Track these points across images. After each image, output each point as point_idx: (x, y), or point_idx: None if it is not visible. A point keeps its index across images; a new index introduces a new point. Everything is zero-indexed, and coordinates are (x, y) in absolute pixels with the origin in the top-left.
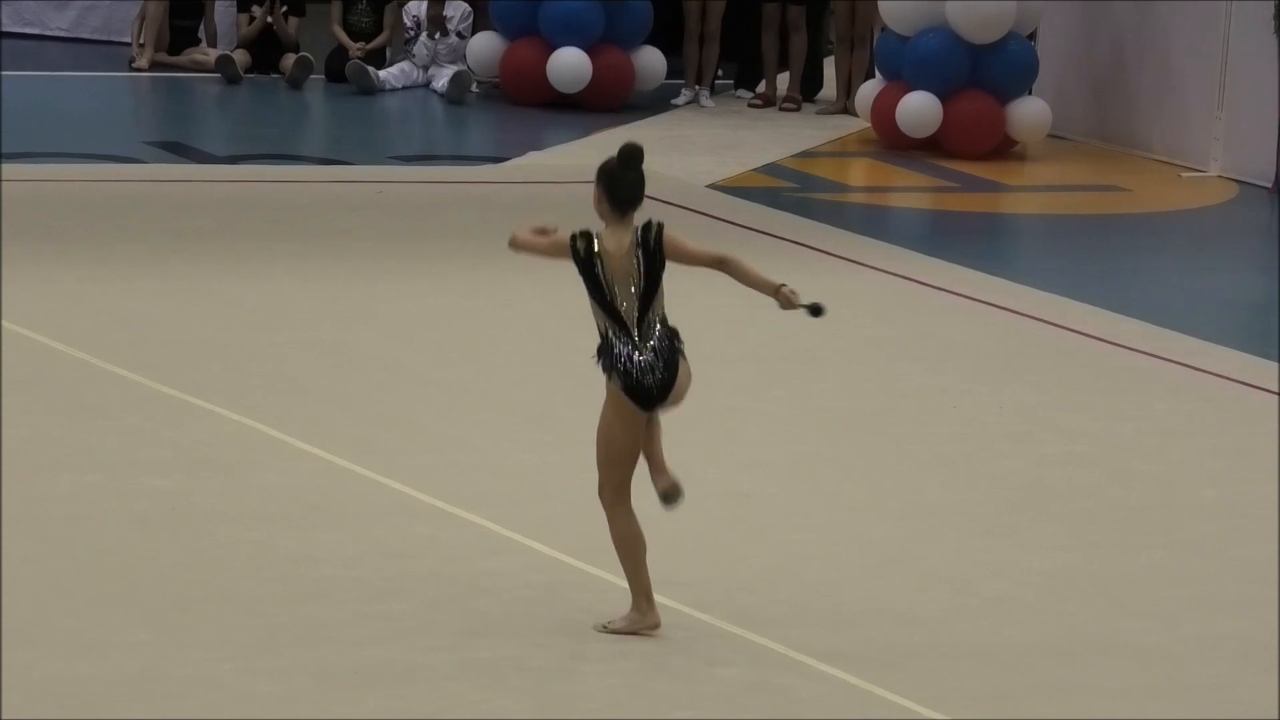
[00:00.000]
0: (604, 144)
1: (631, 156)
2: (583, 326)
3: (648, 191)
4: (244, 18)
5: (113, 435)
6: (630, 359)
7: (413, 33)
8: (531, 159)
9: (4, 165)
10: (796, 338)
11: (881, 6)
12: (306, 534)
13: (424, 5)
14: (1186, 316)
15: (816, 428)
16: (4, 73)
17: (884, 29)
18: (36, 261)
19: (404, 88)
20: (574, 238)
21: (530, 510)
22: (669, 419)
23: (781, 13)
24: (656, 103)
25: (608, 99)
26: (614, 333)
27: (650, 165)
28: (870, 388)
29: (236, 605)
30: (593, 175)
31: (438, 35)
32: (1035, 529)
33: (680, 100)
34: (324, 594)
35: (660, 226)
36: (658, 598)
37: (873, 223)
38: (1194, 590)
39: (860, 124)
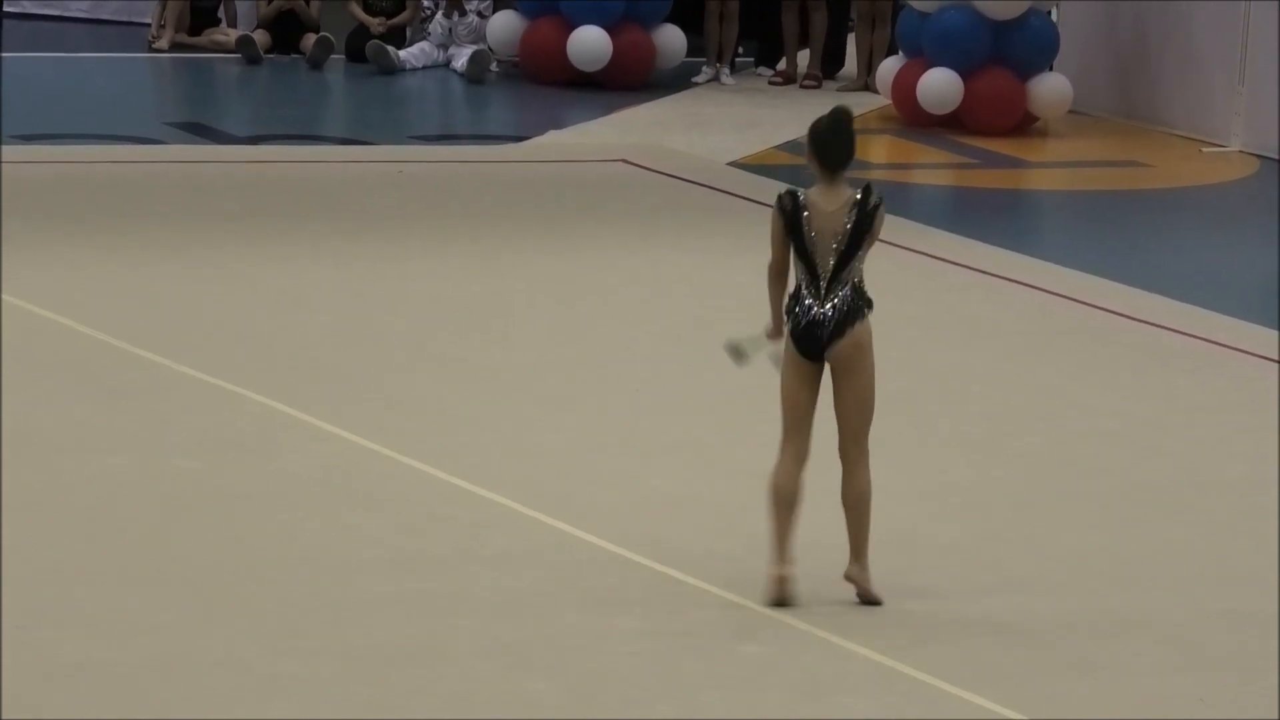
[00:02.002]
0: (625, 123)
1: (838, 121)
2: (605, 307)
3: (663, 168)
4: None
5: (137, 418)
6: (808, 310)
7: (430, 11)
8: (552, 138)
9: (25, 147)
10: None
11: None
12: (332, 515)
13: None
14: (1210, 292)
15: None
16: (25, 54)
17: (905, 6)
18: (58, 244)
19: (424, 67)
20: (780, 197)
21: (554, 490)
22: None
23: None
24: (677, 81)
25: (628, 77)
26: (805, 284)
27: (671, 143)
28: (894, 366)
29: (263, 587)
30: (611, 154)
31: (455, 15)
32: (1061, 507)
33: (701, 78)
34: (350, 575)
35: (882, 200)
36: (679, 574)
37: (894, 200)
38: (1220, 567)
39: (881, 101)
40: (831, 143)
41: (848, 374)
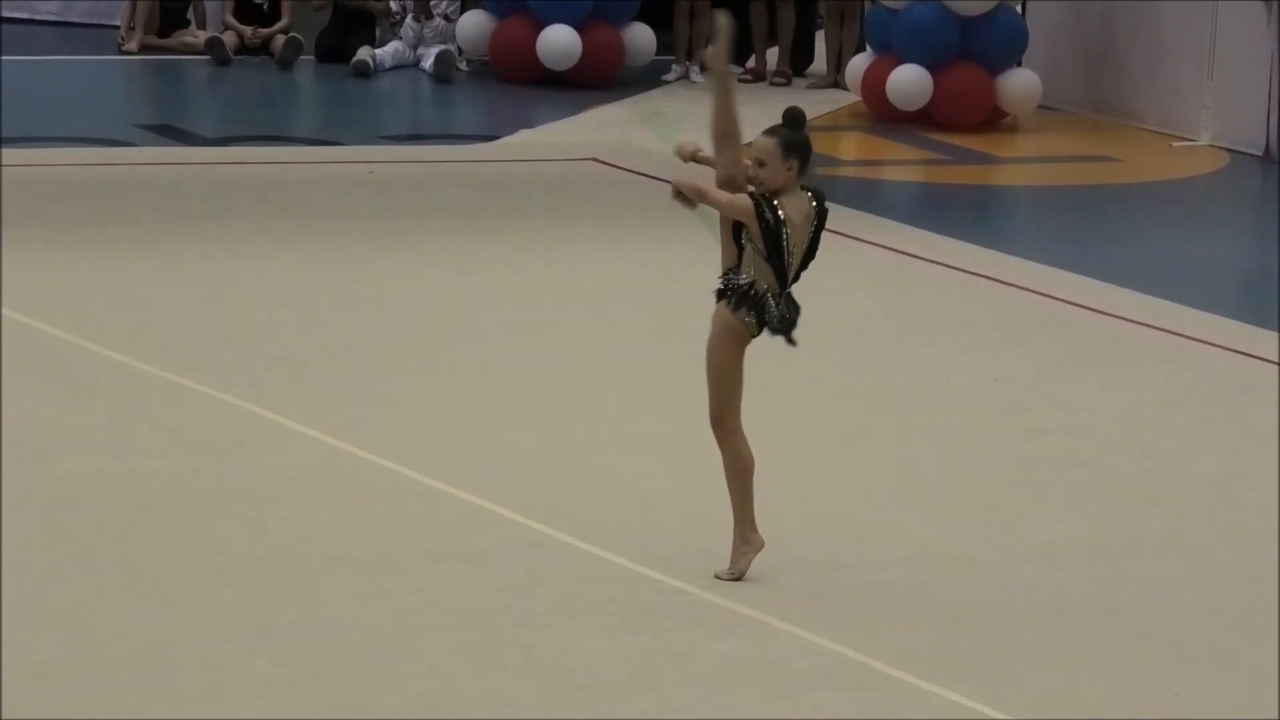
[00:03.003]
0: (595, 121)
1: (801, 118)
2: (577, 304)
3: (633, 166)
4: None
5: (108, 418)
6: (777, 315)
7: (399, 16)
8: (522, 137)
9: None
10: None
11: None
12: (304, 514)
13: None
14: (1181, 286)
15: (810, 402)
16: None
17: (874, 2)
18: (28, 245)
19: (395, 67)
20: (759, 203)
21: (527, 488)
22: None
23: None
24: (647, 79)
25: (598, 76)
26: (772, 291)
27: (641, 141)
28: (864, 362)
29: (236, 586)
30: (581, 153)
31: (423, 18)
32: (1033, 500)
33: (670, 76)
34: (323, 573)
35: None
36: (652, 572)
37: (864, 196)
38: (1193, 560)
39: (851, 97)
40: (808, 144)
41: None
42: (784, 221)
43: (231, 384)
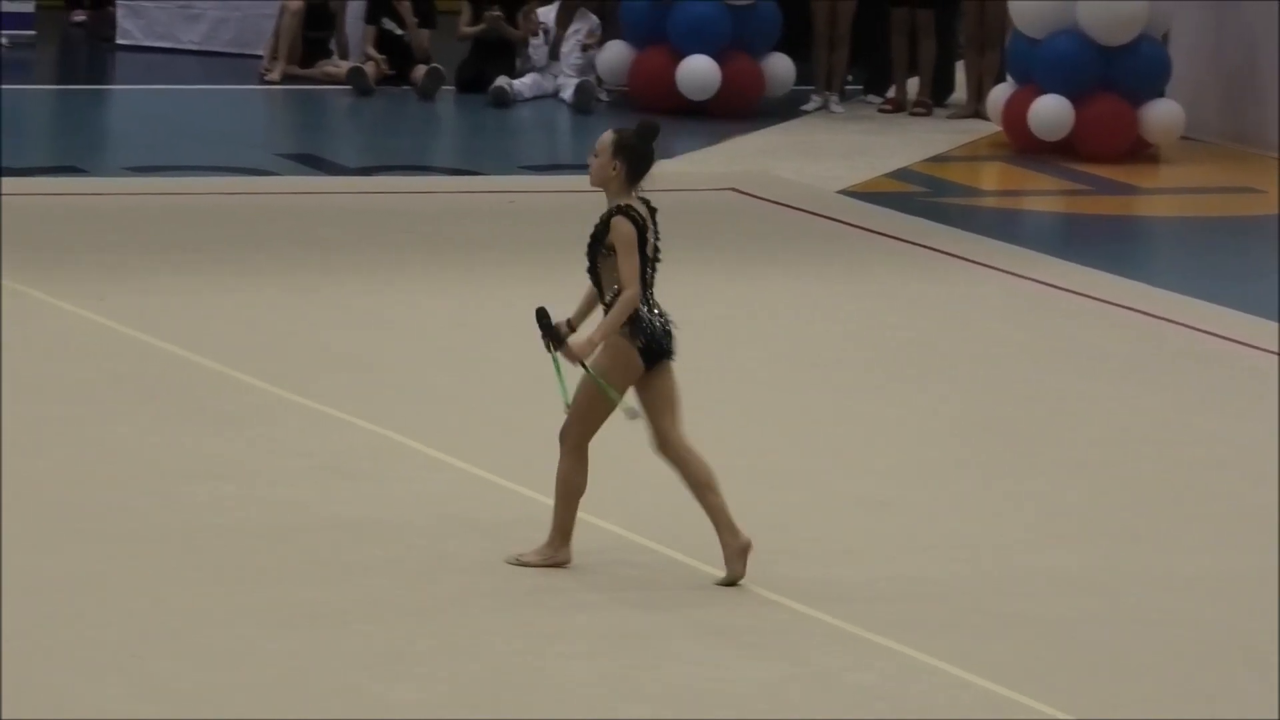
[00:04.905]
0: (734, 151)
1: (651, 131)
2: (714, 334)
3: (772, 196)
4: (372, 30)
5: (247, 444)
6: (653, 323)
7: (540, 42)
8: (661, 167)
9: (138, 179)
10: (926, 342)
11: (1012, 8)
12: (440, 541)
13: (552, 15)
14: None
15: (951, 433)
16: (138, 87)
17: (1014, 31)
18: (170, 274)
19: (534, 98)
20: (630, 211)
21: (661, 517)
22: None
23: (911, 17)
24: (786, 109)
25: (737, 106)
26: (642, 298)
27: (780, 171)
28: (1005, 392)
29: (373, 613)
30: (720, 183)
31: (565, 46)
32: (1175, 532)
33: (810, 106)
34: (459, 600)
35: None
36: (806, 609)
37: (1005, 227)
38: None
39: (991, 128)
40: (645, 153)
41: (662, 374)
42: (644, 221)
43: (368, 410)
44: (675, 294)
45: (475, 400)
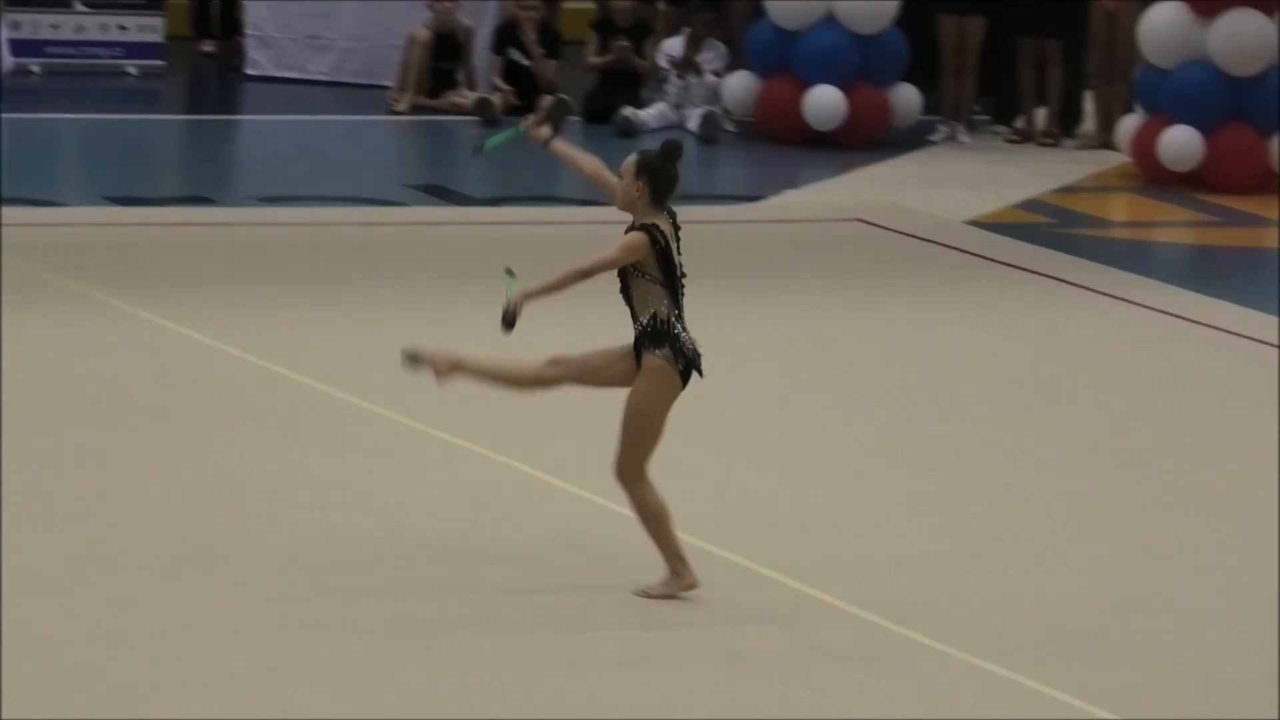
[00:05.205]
0: (860, 181)
1: (675, 152)
2: (841, 363)
3: (899, 227)
4: (499, 60)
5: (378, 474)
6: (687, 341)
7: (668, 73)
8: (787, 197)
9: (266, 209)
10: (1055, 373)
11: (1141, 39)
12: (574, 575)
13: (680, 45)
14: None
15: (1080, 463)
16: (266, 117)
17: (1143, 62)
18: (298, 303)
19: (660, 128)
20: (647, 232)
21: (790, 548)
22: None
23: (1039, 46)
24: (912, 139)
25: (863, 136)
26: (675, 316)
27: (906, 201)
28: (1136, 424)
29: (506, 648)
30: (846, 213)
31: (691, 76)
32: None
33: (937, 136)
34: (590, 633)
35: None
36: (924, 638)
37: (1134, 258)
38: None
39: (1120, 158)
40: (669, 173)
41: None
42: (667, 239)
43: (500, 442)
44: (801, 324)
45: (604, 430)
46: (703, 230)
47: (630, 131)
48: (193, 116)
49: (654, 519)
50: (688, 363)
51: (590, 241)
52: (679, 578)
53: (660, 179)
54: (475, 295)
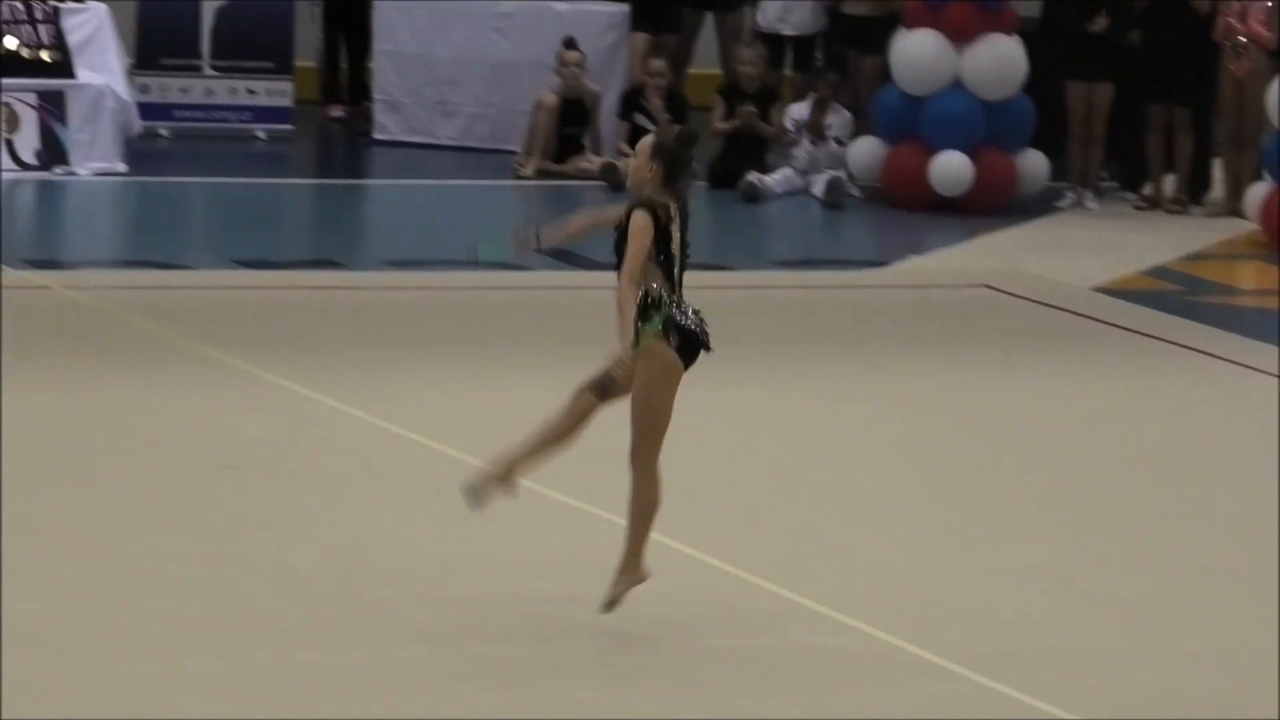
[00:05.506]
0: (987, 247)
1: (691, 138)
2: (966, 430)
3: (1026, 293)
4: (625, 125)
5: (502, 540)
6: (684, 316)
7: (794, 137)
8: (913, 263)
9: (395, 273)
10: (1184, 443)
11: (1269, 106)
12: (701, 641)
13: (806, 110)
14: None
15: (1211, 534)
16: (395, 181)
17: (1272, 129)
18: (425, 367)
19: (785, 193)
20: (649, 211)
21: (915, 616)
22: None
23: (1167, 113)
24: (1039, 205)
25: (990, 202)
26: (665, 294)
27: (1034, 267)
28: (1265, 495)
29: (625, 707)
30: (973, 279)
31: (817, 142)
32: None
33: (1064, 202)
34: (715, 691)
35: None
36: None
37: (1265, 327)
38: None
39: (1249, 226)
40: (683, 157)
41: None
42: (669, 216)
43: (618, 507)
44: (928, 390)
45: (725, 494)
46: (827, 295)
47: (755, 197)
48: (321, 181)
49: (644, 508)
50: (685, 336)
51: (713, 305)
52: (632, 573)
53: (674, 162)
54: (600, 358)
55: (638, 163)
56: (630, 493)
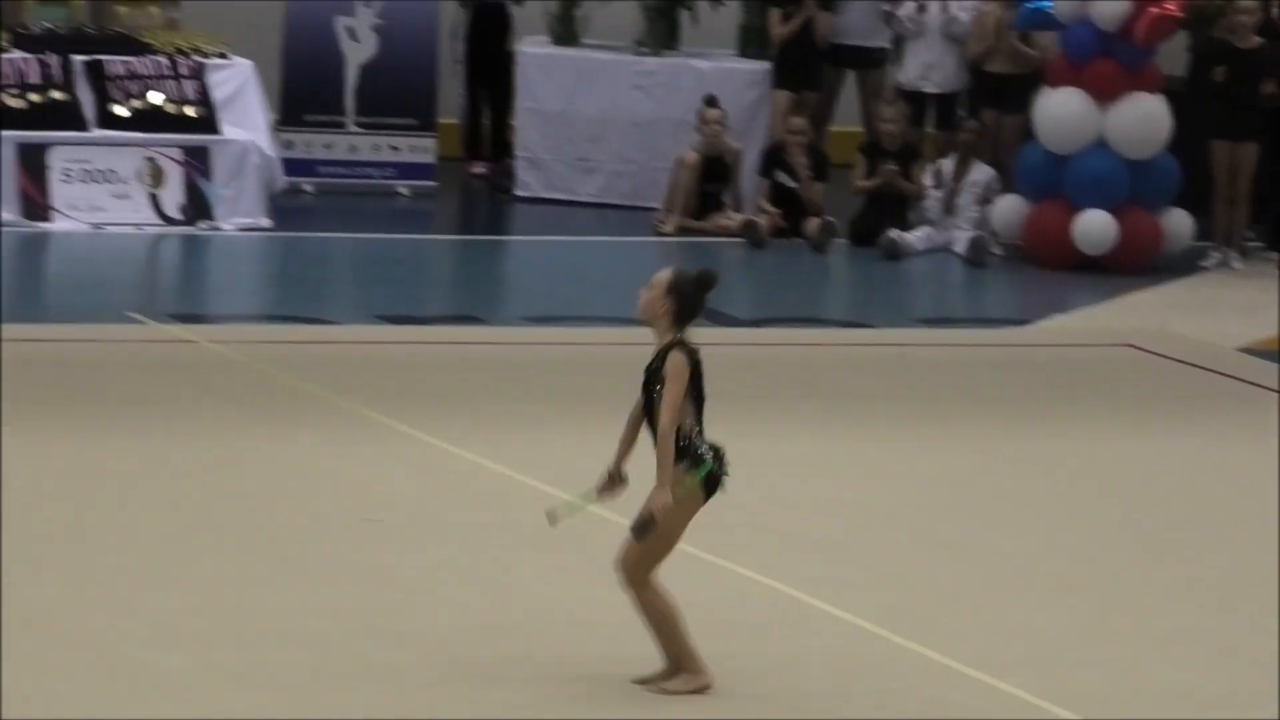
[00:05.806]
0: (1131, 307)
1: (709, 281)
2: (1110, 491)
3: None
4: (766, 183)
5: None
6: (708, 457)
7: (935, 196)
8: (1056, 321)
9: (534, 329)
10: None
11: None
12: (836, 699)
13: (948, 167)
14: None
15: None
16: (536, 238)
17: None
18: (565, 422)
19: (927, 251)
20: (687, 347)
21: (1061, 677)
22: None
23: None
24: (1184, 264)
25: (1134, 261)
26: (697, 434)
27: (1178, 327)
28: None
29: None
30: (1117, 339)
31: (958, 199)
32: None
33: (1209, 262)
34: None
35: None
36: None
37: None
38: None
39: None
40: (697, 300)
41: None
42: (700, 360)
43: (759, 562)
44: (1073, 450)
45: (863, 551)
46: (969, 353)
47: (896, 254)
48: (462, 237)
49: (664, 621)
50: (709, 475)
51: (853, 363)
52: (695, 675)
53: (687, 305)
54: (740, 413)
55: (652, 296)
56: (641, 612)
